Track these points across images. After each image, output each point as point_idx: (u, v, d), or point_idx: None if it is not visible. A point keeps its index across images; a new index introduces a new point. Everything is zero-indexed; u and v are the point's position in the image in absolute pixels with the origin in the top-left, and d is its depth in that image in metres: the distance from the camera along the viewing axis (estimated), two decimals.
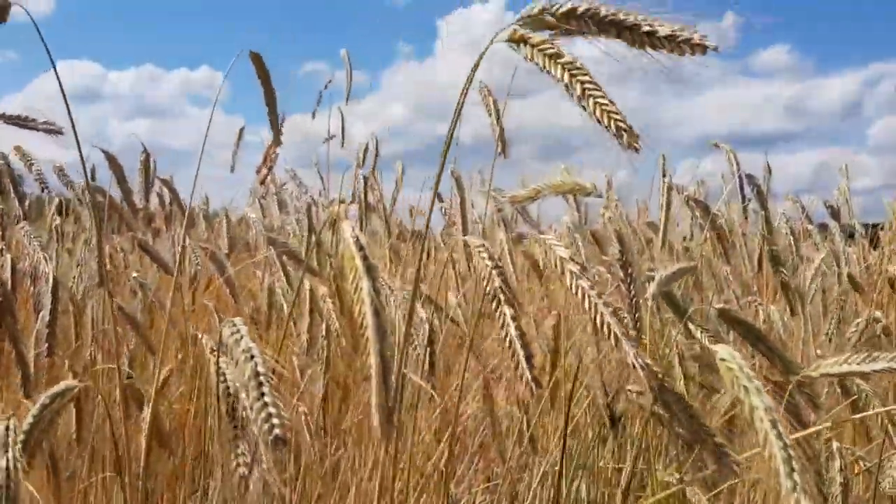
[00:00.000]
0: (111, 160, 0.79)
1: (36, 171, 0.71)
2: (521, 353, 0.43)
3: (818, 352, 0.92)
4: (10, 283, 0.82)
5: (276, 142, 0.85)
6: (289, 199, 1.55)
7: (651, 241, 1.51)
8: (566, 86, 0.42)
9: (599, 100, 0.41)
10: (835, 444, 0.65)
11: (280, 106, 0.83)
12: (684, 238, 1.52)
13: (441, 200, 1.66)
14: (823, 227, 1.57)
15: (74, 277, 0.88)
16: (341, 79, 1.60)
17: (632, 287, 0.64)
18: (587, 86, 0.41)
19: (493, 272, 0.46)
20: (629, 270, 0.65)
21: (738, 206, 1.28)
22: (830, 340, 0.86)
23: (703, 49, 0.41)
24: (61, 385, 0.52)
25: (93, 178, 1.74)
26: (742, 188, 1.19)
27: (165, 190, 1.41)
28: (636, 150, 0.40)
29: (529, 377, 0.43)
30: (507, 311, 0.44)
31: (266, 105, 0.80)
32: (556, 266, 0.47)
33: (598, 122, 0.41)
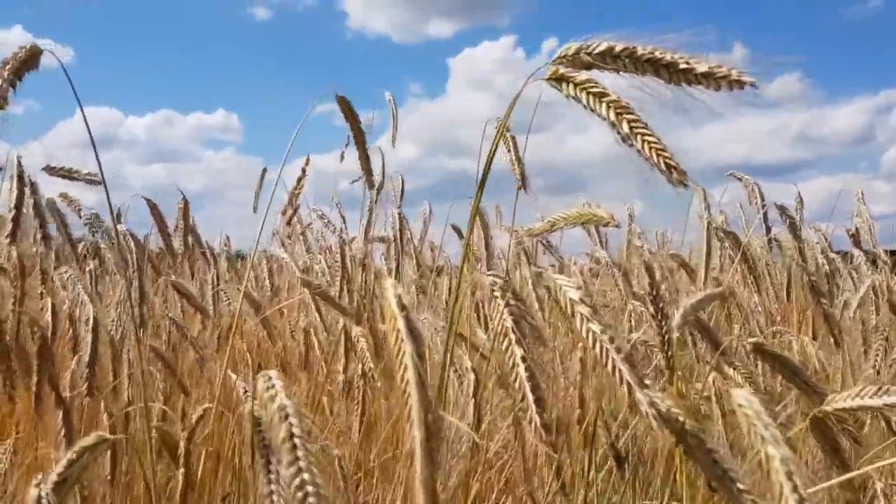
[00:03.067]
0: (153, 208, 0.81)
1: (85, 217, 0.73)
2: (530, 397, 0.40)
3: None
4: (51, 326, 0.83)
5: (370, 184, 0.83)
6: (313, 239, 1.56)
7: (673, 271, 1.51)
8: (612, 123, 0.42)
9: (648, 138, 0.41)
10: (878, 485, 0.63)
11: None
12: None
13: (461, 236, 1.66)
14: (845, 255, 1.56)
15: (113, 320, 0.89)
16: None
17: (664, 323, 0.63)
18: (634, 124, 0.42)
19: (505, 311, 0.43)
20: (660, 305, 0.64)
21: (762, 236, 1.28)
22: (878, 373, 0.85)
23: (742, 85, 0.41)
24: (92, 437, 0.48)
25: (119, 222, 1.77)
26: (766, 219, 1.20)
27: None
28: (685, 185, 0.40)
29: (539, 423, 0.40)
30: (518, 350, 0.42)
31: (356, 147, 0.80)
32: (567, 307, 0.43)
33: (647, 159, 0.41)
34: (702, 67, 0.42)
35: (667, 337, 0.63)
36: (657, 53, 0.43)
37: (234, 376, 0.88)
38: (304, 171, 1.64)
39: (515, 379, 0.41)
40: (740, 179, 1.33)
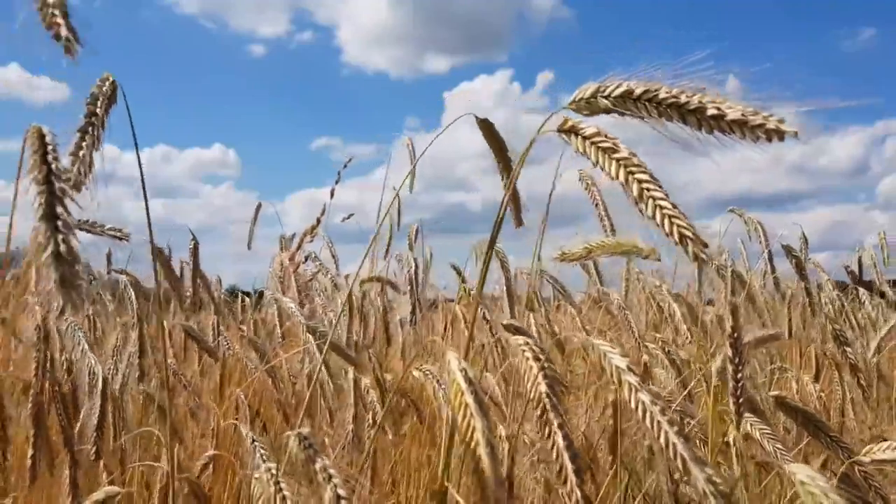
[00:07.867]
0: (159, 254, 0.78)
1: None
2: (569, 465, 0.39)
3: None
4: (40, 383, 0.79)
5: (519, 222, 0.75)
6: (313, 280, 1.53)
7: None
8: (622, 184, 0.38)
9: (661, 202, 0.37)
10: None
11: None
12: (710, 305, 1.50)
13: (461, 276, 1.64)
14: (845, 288, 1.54)
15: (110, 369, 0.86)
16: (359, 154, 1.60)
17: (741, 383, 0.59)
18: (645, 185, 0.37)
19: (539, 375, 0.41)
20: (739, 350, 0.59)
21: (761, 273, 1.27)
22: None
23: (781, 135, 0.36)
24: (101, 493, 0.53)
25: (109, 262, 1.73)
26: (770, 258, 1.19)
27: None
28: (703, 260, 0.36)
29: (580, 496, 0.38)
30: (554, 419, 0.40)
31: (501, 178, 0.69)
32: (612, 375, 0.41)
33: (659, 227, 0.36)
34: (734, 114, 0.36)
35: (740, 398, 0.59)
36: (682, 97, 0.38)
37: (241, 428, 0.84)
38: (318, 220, 1.63)
39: (553, 447, 0.39)
40: (741, 216, 1.33)
